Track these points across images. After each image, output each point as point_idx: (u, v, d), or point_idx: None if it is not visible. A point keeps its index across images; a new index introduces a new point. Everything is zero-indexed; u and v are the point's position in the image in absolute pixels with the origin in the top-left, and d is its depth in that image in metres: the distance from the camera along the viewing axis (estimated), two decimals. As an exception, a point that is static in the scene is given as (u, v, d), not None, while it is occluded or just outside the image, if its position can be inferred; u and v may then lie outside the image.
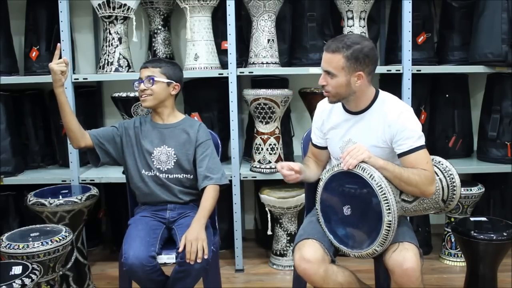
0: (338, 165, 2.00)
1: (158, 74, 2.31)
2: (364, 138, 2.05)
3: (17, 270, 1.96)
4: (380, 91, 2.11)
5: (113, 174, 3.06)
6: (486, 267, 2.45)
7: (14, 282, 1.85)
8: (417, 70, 3.03)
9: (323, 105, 2.22)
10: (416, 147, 1.97)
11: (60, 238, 2.25)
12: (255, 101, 2.95)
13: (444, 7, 3.29)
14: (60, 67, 2.19)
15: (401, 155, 2.00)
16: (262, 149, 3.04)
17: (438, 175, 2.09)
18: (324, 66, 2.02)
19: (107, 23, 3.06)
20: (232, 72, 2.97)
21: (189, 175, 2.35)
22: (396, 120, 2.00)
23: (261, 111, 2.97)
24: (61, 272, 2.63)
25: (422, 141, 1.99)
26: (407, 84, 3.00)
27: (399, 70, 3.01)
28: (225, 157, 3.26)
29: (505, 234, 2.40)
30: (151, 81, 2.30)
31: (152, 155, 2.33)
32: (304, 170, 2.16)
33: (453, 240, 3.10)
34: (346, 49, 1.96)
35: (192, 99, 3.27)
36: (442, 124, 3.33)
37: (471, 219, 2.64)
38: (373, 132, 2.04)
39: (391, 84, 3.09)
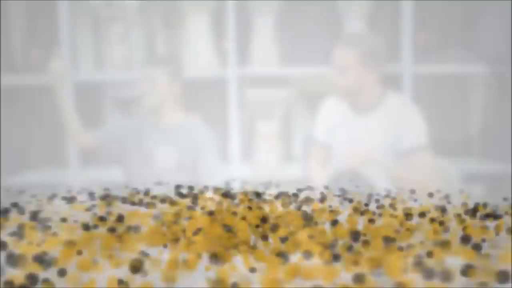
0: (340, 163, 2.00)
1: (161, 74, 2.31)
2: (371, 135, 2.05)
3: (17, 270, 1.96)
4: (389, 90, 2.12)
5: (113, 174, 3.05)
6: (486, 267, 2.45)
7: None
8: (417, 70, 3.03)
9: (329, 102, 2.23)
10: (421, 147, 1.98)
11: (61, 238, 2.25)
12: (255, 101, 2.95)
13: (444, 7, 3.28)
14: (58, 67, 2.19)
15: (404, 153, 2.00)
16: (262, 149, 3.03)
17: (438, 177, 2.09)
18: (338, 61, 2.02)
19: (107, 23, 3.05)
20: (232, 72, 2.97)
21: (189, 176, 2.35)
22: (404, 120, 2.00)
23: (261, 111, 2.97)
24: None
25: (426, 142, 2.00)
26: (407, 84, 3.00)
27: (399, 70, 3.01)
28: (225, 157, 3.25)
29: (505, 234, 2.40)
30: (154, 80, 2.29)
31: (153, 155, 2.33)
32: None
33: (453, 240, 3.10)
34: (361, 44, 1.96)
35: (192, 99, 3.27)
36: (441, 124, 3.33)
37: (471, 219, 2.64)
38: (380, 130, 2.05)
39: (391, 84, 3.09)
